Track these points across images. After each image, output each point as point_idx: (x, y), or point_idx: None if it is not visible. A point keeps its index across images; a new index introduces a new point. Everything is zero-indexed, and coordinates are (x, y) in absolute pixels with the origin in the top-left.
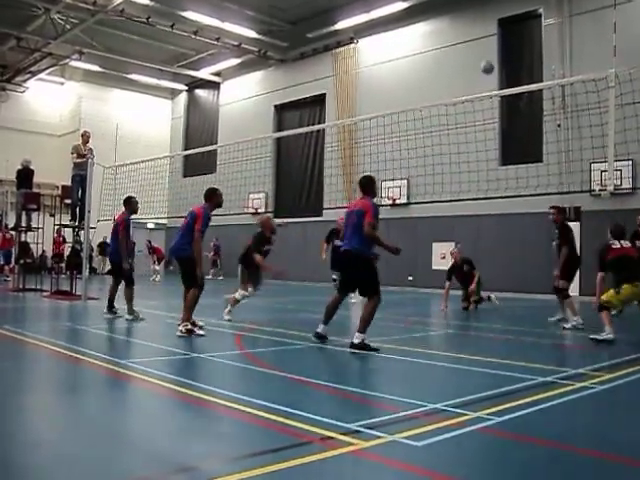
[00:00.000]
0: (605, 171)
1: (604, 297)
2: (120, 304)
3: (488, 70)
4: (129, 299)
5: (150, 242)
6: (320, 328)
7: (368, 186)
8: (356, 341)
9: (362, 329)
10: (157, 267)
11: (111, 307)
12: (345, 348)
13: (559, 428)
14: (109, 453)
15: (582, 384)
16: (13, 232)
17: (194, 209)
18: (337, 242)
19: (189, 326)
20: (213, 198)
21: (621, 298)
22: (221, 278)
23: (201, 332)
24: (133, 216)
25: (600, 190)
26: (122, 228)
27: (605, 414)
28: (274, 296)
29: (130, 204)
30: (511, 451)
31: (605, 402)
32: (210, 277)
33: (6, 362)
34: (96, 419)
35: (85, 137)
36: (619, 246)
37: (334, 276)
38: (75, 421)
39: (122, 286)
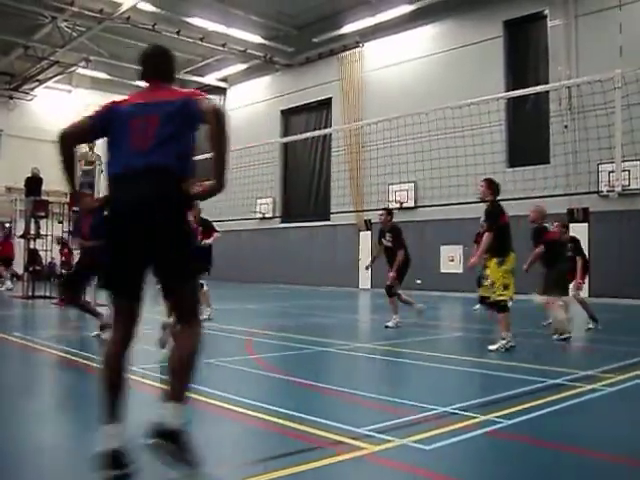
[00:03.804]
0: (613, 172)
1: (499, 291)
2: None
3: None
4: None
5: None
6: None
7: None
8: (172, 424)
9: (182, 395)
10: None
11: None
12: (354, 352)
13: (569, 430)
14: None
15: (591, 386)
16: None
17: None
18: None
19: None
20: None
21: (509, 269)
22: None
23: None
24: None
25: (608, 191)
26: None
27: (615, 416)
28: (282, 301)
29: None
30: (521, 454)
31: (615, 404)
32: None
33: (17, 368)
34: None
35: (92, 144)
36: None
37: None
38: (84, 427)
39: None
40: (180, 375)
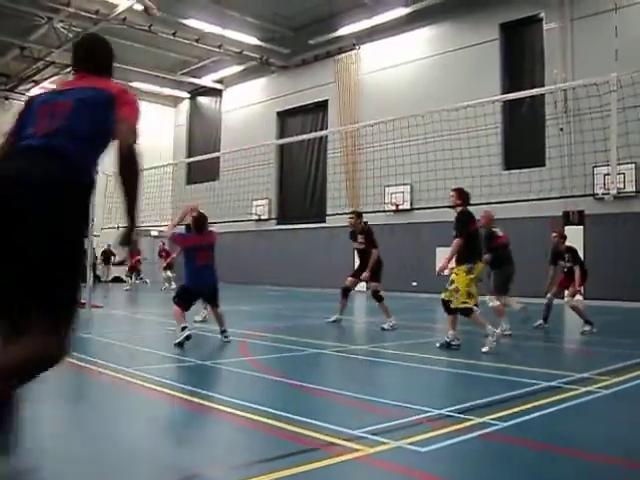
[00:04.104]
0: (608, 175)
1: (463, 298)
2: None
3: None
4: None
5: (164, 244)
6: None
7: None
8: None
9: None
10: (170, 274)
11: None
12: (349, 354)
13: (565, 433)
14: (114, 461)
15: (587, 388)
16: None
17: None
18: None
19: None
20: None
21: (474, 277)
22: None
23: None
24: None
25: (603, 194)
26: None
27: (611, 418)
28: (277, 302)
29: None
30: (516, 456)
31: (611, 406)
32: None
33: None
34: (101, 427)
35: None
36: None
37: None
38: (79, 429)
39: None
40: None
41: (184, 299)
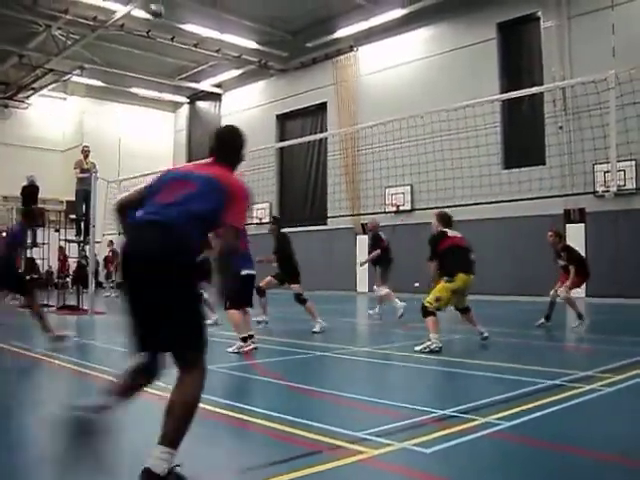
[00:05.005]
0: (608, 172)
1: (430, 298)
2: None
3: (157, 14)
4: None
5: None
6: None
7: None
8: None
9: (173, 441)
10: None
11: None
12: (352, 356)
13: (569, 431)
14: (118, 467)
15: (590, 386)
16: None
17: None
18: None
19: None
20: None
21: (454, 288)
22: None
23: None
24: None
25: (604, 191)
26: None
27: (615, 416)
28: (279, 305)
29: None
30: (522, 456)
31: (614, 404)
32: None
33: (15, 377)
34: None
35: (85, 152)
36: (453, 235)
37: None
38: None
39: None
40: (167, 419)
41: (243, 295)
